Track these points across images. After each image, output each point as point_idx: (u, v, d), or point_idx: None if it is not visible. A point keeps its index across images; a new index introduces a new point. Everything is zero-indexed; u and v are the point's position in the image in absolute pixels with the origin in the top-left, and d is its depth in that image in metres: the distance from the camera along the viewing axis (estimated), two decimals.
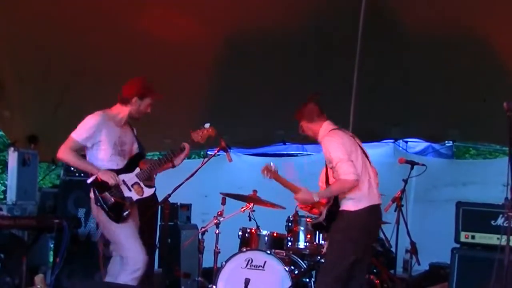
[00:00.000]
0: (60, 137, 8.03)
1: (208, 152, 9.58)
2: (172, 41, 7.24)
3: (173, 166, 5.46)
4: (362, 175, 4.98)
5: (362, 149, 5.16)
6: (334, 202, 5.05)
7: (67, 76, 7.63)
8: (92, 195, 5.10)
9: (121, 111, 5.28)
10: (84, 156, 5.20)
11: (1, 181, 14.38)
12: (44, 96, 7.99)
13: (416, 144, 9.94)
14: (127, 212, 5.10)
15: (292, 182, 5.62)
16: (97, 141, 5.11)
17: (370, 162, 5.19)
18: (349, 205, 4.98)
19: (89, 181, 5.08)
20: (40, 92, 7.94)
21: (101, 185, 5.04)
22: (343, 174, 4.88)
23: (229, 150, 6.11)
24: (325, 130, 5.17)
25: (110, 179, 5.02)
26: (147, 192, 5.26)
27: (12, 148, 7.40)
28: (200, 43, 7.37)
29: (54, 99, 8.03)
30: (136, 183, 5.21)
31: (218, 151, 6.15)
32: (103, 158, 5.15)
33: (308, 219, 6.06)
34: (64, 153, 5.05)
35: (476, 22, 6.63)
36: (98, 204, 5.03)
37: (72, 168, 6.91)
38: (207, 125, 5.44)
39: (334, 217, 5.05)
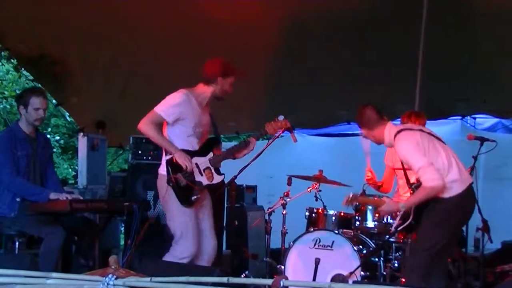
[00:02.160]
0: (127, 122, 8.26)
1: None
2: (234, 22, 7.26)
3: (234, 158, 5.44)
4: (448, 165, 4.80)
5: (434, 135, 4.99)
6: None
7: (132, 63, 7.76)
8: (163, 172, 5.07)
9: (205, 90, 5.23)
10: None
11: (72, 166, 14.76)
12: (110, 82, 8.16)
13: (485, 121, 9.71)
14: (195, 197, 5.09)
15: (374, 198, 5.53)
16: (178, 118, 5.07)
17: (446, 145, 4.99)
18: (443, 195, 4.80)
19: (166, 158, 5.05)
20: (106, 79, 8.10)
21: (175, 166, 5.02)
22: (428, 181, 4.71)
23: (293, 130, 6.07)
24: (391, 133, 4.98)
25: (185, 163, 5.00)
26: (217, 178, 5.23)
27: (81, 134, 7.57)
28: (264, 24, 7.37)
29: (120, 85, 8.19)
30: (208, 168, 5.18)
31: (282, 132, 6.13)
32: (181, 137, 5.11)
33: (375, 197, 5.98)
34: (145, 125, 5.00)
35: None
36: (170, 184, 5.01)
37: (139, 152, 7.03)
38: (281, 118, 5.38)
39: (422, 212, 4.89)
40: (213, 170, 5.22)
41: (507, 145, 8.44)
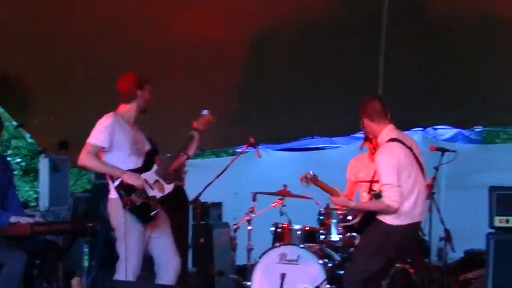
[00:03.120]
0: None
1: (237, 150, 9.60)
2: (199, 39, 7.25)
3: (188, 157, 5.43)
4: (409, 194, 4.82)
5: (417, 160, 4.98)
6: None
7: (94, 82, 7.69)
8: (114, 196, 5.03)
9: (128, 109, 5.23)
10: None
11: (34, 188, 14.56)
12: (72, 102, 8.06)
13: (445, 131, 9.85)
14: (154, 212, 5.05)
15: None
16: (113, 142, 5.04)
17: (424, 173, 5.02)
18: (387, 217, 4.84)
19: (115, 184, 5.00)
20: (68, 99, 8.01)
21: (127, 188, 4.98)
22: (387, 198, 4.75)
23: (257, 146, 6.09)
24: (385, 137, 4.99)
25: (136, 181, 4.98)
26: (168, 188, 5.19)
27: (43, 155, 7.48)
28: (227, 40, 7.37)
29: (81, 105, 8.10)
30: (156, 180, 5.15)
31: (246, 148, 6.15)
32: (122, 159, 5.07)
33: (339, 212, 6.03)
34: (85, 158, 4.99)
35: (506, 3, 6.55)
36: (127, 207, 4.95)
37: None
38: (205, 112, 5.41)
39: (369, 223, 4.94)
40: (162, 181, 5.18)
41: (467, 155, 8.58)
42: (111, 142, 5.03)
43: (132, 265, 5.00)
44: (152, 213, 5.05)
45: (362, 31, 7.32)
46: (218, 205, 8.08)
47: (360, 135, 7.94)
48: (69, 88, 7.87)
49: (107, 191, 6.39)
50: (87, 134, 8.06)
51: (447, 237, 6.02)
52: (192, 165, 5.90)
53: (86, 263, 7.63)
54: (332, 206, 5.98)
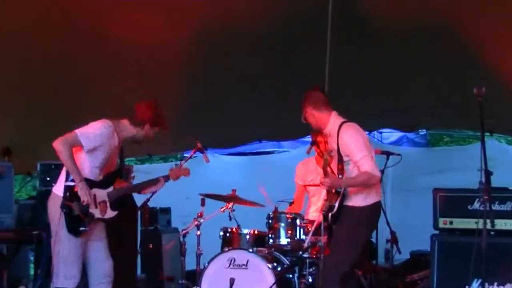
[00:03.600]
0: (34, 148, 8.05)
1: (185, 155, 9.58)
2: (144, 43, 7.18)
3: (139, 193, 5.48)
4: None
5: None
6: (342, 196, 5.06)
7: (36, 85, 7.54)
8: (59, 193, 4.93)
9: (129, 130, 5.19)
10: None
11: None
12: (14, 107, 7.90)
13: (390, 135, 10.03)
14: (84, 229, 4.95)
15: None
16: (94, 149, 4.97)
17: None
18: (358, 200, 5.00)
19: (67, 183, 4.90)
20: (9, 104, 7.83)
21: (74, 194, 4.90)
22: (370, 169, 4.88)
23: (205, 151, 6.10)
24: (336, 121, 5.12)
25: (84, 197, 4.89)
26: (110, 214, 5.11)
27: None
28: (172, 45, 7.33)
29: (24, 110, 7.94)
30: (103, 201, 5.07)
31: (194, 153, 6.15)
32: (87, 166, 5.00)
33: (288, 215, 6.07)
34: (62, 145, 4.82)
35: (446, 8, 6.69)
36: (64, 210, 4.86)
37: (48, 178, 6.86)
38: (184, 166, 5.56)
39: (340, 212, 5.04)
40: (108, 205, 5.11)
41: (412, 158, 8.75)
42: (90, 148, 4.95)
43: (66, 270, 4.91)
44: (81, 229, 4.95)
45: (308, 36, 7.39)
46: (166, 211, 8.04)
47: (308, 139, 8.01)
48: (9, 94, 7.70)
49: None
50: (29, 141, 8.04)
51: (393, 239, 6.13)
52: (140, 171, 5.86)
53: (32, 271, 7.49)
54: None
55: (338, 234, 5.10)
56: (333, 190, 5.12)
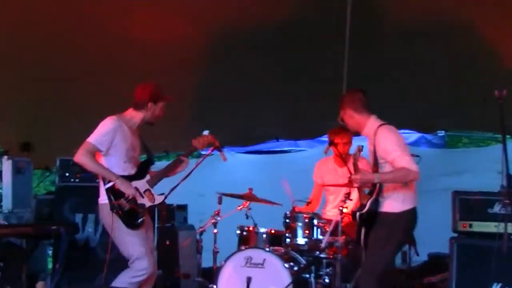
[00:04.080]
0: (53, 144, 8.09)
1: (202, 152, 9.58)
2: (158, 43, 7.24)
3: (167, 176, 5.48)
4: None
5: None
6: (376, 199, 5.00)
7: (54, 81, 7.60)
8: (105, 201, 5.08)
9: (135, 116, 5.29)
10: None
11: None
12: (33, 103, 7.96)
13: (408, 136, 9.94)
14: (141, 220, 5.12)
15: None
16: (112, 146, 5.10)
17: None
18: (394, 206, 4.92)
19: (106, 186, 5.06)
20: (28, 99, 7.90)
21: (117, 192, 5.05)
22: (407, 165, 4.78)
23: (223, 149, 6.09)
24: (374, 124, 5.06)
25: (127, 190, 5.04)
26: (158, 199, 5.28)
27: (5, 157, 7.36)
28: (187, 43, 7.37)
29: (42, 105, 8.01)
30: (147, 190, 5.23)
31: (212, 151, 6.14)
32: (116, 164, 5.14)
33: (305, 215, 6.06)
34: (82, 156, 5.01)
35: (466, 8, 6.66)
36: (114, 210, 5.02)
37: (67, 174, 6.90)
38: (206, 132, 5.47)
39: (375, 215, 4.99)
40: (153, 191, 5.26)
41: (429, 159, 8.63)
42: (109, 147, 5.09)
43: (143, 262, 5.06)
44: (139, 221, 5.12)
45: (326, 34, 7.38)
46: (183, 208, 8.05)
47: (325, 139, 8.00)
48: (29, 90, 7.76)
49: (70, 194, 6.37)
50: (48, 136, 8.08)
51: (411, 241, 6.09)
52: (157, 168, 5.88)
53: (50, 266, 7.54)
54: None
55: (374, 240, 5.02)
56: (365, 190, 5.09)
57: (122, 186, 5.04)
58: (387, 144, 4.90)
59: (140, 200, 5.15)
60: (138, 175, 5.25)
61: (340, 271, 5.75)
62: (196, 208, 8.40)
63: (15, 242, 5.93)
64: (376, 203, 4.98)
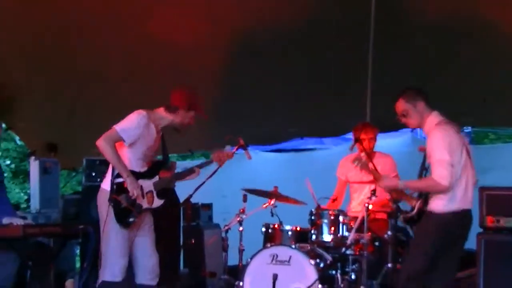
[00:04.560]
0: (79, 144, 8.18)
1: None
2: (181, 42, 7.28)
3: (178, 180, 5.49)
4: (460, 177, 4.81)
5: (466, 147, 4.98)
6: (425, 198, 4.93)
7: (79, 82, 7.69)
8: (106, 188, 5.05)
9: (164, 116, 5.24)
10: None
11: (24, 190, 14.51)
12: (58, 104, 8.06)
13: None
14: (132, 220, 5.06)
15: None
16: (135, 140, 5.05)
17: (471, 163, 4.99)
18: (438, 205, 4.82)
19: (116, 181, 5.01)
20: (54, 101, 8.00)
21: (121, 187, 5.02)
22: (438, 176, 4.69)
23: (247, 148, 6.10)
24: (433, 121, 4.96)
25: (133, 191, 4.99)
26: (157, 203, 5.21)
27: (32, 157, 7.46)
28: (210, 43, 7.40)
29: (68, 107, 8.10)
30: (150, 191, 5.17)
31: (237, 149, 6.16)
32: (131, 159, 5.09)
33: (331, 212, 6.06)
34: (104, 143, 4.93)
35: (490, 5, 6.61)
36: (111, 204, 4.98)
37: (93, 174, 6.96)
38: (227, 148, 5.48)
39: (422, 213, 4.92)
40: (155, 194, 5.20)
41: None
42: (131, 141, 5.04)
43: (114, 263, 5.02)
44: (130, 220, 5.06)
45: (350, 32, 7.36)
46: (208, 207, 8.09)
47: (349, 136, 7.98)
48: (53, 92, 7.85)
49: (97, 193, 6.40)
50: (74, 136, 8.17)
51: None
52: (181, 167, 5.90)
53: (78, 265, 7.62)
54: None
55: (416, 239, 5.02)
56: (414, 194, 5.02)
57: (131, 186, 4.98)
58: (433, 146, 4.82)
59: (140, 200, 5.09)
60: (148, 174, 5.19)
61: (366, 268, 5.72)
62: (221, 207, 8.44)
63: (43, 241, 5.99)
64: (426, 202, 4.90)
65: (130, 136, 5.02)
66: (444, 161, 4.70)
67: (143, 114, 5.09)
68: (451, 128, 4.89)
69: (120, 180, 5.02)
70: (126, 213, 5.04)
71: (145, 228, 5.28)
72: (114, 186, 5.01)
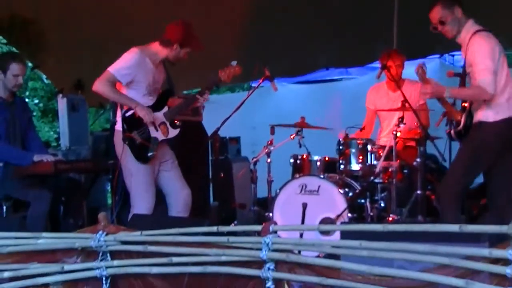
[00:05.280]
0: None
1: (252, 84, 9.56)
2: None
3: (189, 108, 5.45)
4: (503, 86, 4.73)
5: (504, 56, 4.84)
6: (469, 112, 4.85)
7: (108, 22, 7.66)
8: (119, 128, 5.06)
9: (160, 51, 5.17)
10: None
11: (53, 129, 14.68)
12: (86, 41, 8.06)
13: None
14: (151, 154, 5.07)
15: None
16: (132, 80, 5.02)
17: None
18: (487, 115, 4.75)
19: (127, 114, 5.01)
20: (82, 38, 8.00)
21: (131, 122, 5.01)
22: (483, 83, 4.61)
23: (273, 79, 6.04)
24: (471, 29, 4.82)
25: (146, 116, 4.97)
26: (172, 132, 5.20)
27: (60, 95, 7.49)
28: None
29: (96, 44, 8.09)
30: (163, 122, 5.15)
31: (262, 81, 6.11)
32: (135, 97, 5.06)
33: (359, 141, 6.03)
34: (100, 86, 4.93)
35: None
36: (126, 142, 5.00)
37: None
38: (233, 63, 5.26)
39: (470, 126, 4.86)
40: (168, 125, 5.18)
41: None
42: (128, 79, 5.01)
43: (141, 198, 5.09)
44: (149, 154, 5.08)
45: None
46: (236, 140, 8.10)
47: (375, 65, 7.88)
48: (82, 29, 7.84)
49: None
50: (100, 74, 8.19)
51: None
52: (208, 101, 5.86)
53: (109, 201, 7.74)
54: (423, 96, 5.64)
55: (460, 153, 4.94)
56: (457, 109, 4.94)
57: (141, 112, 4.96)
58: (476, 53, 4.70)
59: (154, 134, 5.09)
60: (156, 107, 5.16)
61: (395, 196, 5.74)
62: (248, 140, 8.45)
63: (74, 177, 6.08)
64: (470, 116, 4.84)
65: (124, 75, 4.98)
66: (489, 69, 4.62)
67: (135, 52, 5.04)
68: (492, 35, 4.78)
69: (130, 112, 5.01)
70: (143, 149, 5.05)
71: (167, 164, 5.31)
72: (124, 124, 5.01)
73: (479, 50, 4.70)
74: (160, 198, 6.37)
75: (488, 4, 7.43)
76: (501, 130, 4.76)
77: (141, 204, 5.09)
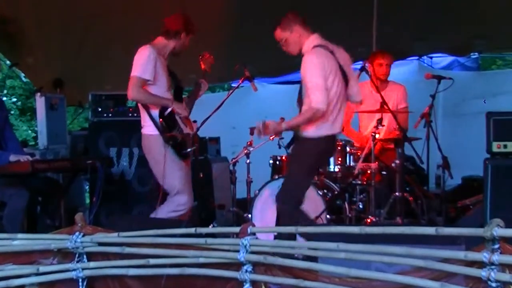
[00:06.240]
0: (85, 80, 8.15)
1: (232, 84, 9.55)
2: None
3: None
4: (333, 104, 4.73)
5: (343, 71, 4.81)
6: None
7: (87, 18, 7.61)
8: (153, 133, 5.02)
9: (167, 44, 5.16)
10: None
11: (31, 128, 14.57)
12: (65, 40, 8.00)
13: (441, 60, 9.79)
14: (190, 148, 5.15)
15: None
16: (156, 72, 4.99)
17: (347, 83, 4.88)
18: (309, 130, 4.78)
19: (166, 112, 4.98)
20: (61, 36, 7.95)
21: (167, 122, 5.00)
22: (315, 102, 4.58)
23: (253, 79, 6.05)
24: (311, 44, 4.79)
25: (185, 112, 5.05)
26: (194, 125, 5.32)
27: (38, 94, 7.43)
28: None
29: (75, 42, 8.04)
30: (185, 117, 5.20)
31: (242, 82, 6.12)
32: (159, 92, 5.04)
33: (337, 143, 6.04)
34: (134, 93, 4.92)
35: None
36: (170, 142, 4.98)
37: (99, 109, 6.94)
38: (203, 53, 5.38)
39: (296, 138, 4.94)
40: (190, 119, 5.26)
41: (463, 82, 8.55)
42: (154, 75, 4.98)
43: (189, 192, 5.18)
44: (188, 150, 5.14)
45: None
46: (216, 140, 8.08)
47: (356, 66, 7.90)
48: (61, 27, 7.79)
49: (104, 128, 6.41)
50: (81, 72, 8.14)
51: (445, 164, 6.05)
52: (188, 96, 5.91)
53: (87, 200, 7.70)
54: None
55: (290, 160, 5.18)
56: None
57: (179, 109, 5.02)
58: (307, 72, 4.67)
59: (185, 130, 5.14)
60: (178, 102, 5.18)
61: (374, 197, 5.76)
62: (228, 141, 8.43)
63: (52, 177, 6.04)
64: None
65: (148, 71, 4.94)
66: (319, 86, 4.59)
67: (147, 48, 5.02)
68: (324, 51, 4.72)
69: (169, 110, 4.99)
70: (182, 146, 5.09)
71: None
72: (163, 125, 4.98)
73: (308, 67, 4.67)
74: (141, 198, 6.39)
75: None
76: (320, 146, 4.85)
77: (189, 198, 5.18)
